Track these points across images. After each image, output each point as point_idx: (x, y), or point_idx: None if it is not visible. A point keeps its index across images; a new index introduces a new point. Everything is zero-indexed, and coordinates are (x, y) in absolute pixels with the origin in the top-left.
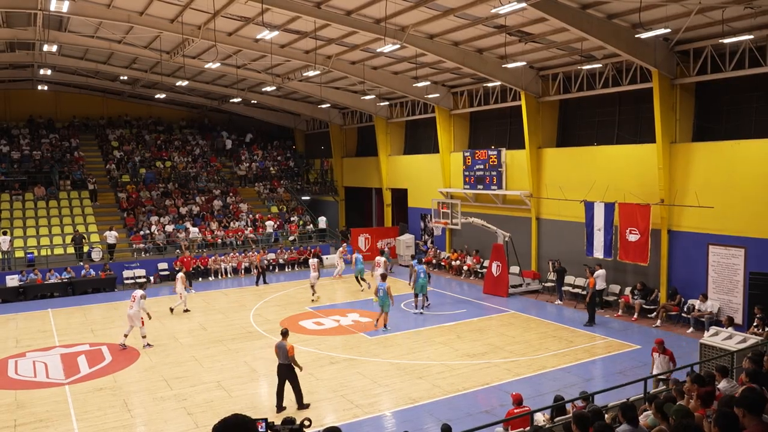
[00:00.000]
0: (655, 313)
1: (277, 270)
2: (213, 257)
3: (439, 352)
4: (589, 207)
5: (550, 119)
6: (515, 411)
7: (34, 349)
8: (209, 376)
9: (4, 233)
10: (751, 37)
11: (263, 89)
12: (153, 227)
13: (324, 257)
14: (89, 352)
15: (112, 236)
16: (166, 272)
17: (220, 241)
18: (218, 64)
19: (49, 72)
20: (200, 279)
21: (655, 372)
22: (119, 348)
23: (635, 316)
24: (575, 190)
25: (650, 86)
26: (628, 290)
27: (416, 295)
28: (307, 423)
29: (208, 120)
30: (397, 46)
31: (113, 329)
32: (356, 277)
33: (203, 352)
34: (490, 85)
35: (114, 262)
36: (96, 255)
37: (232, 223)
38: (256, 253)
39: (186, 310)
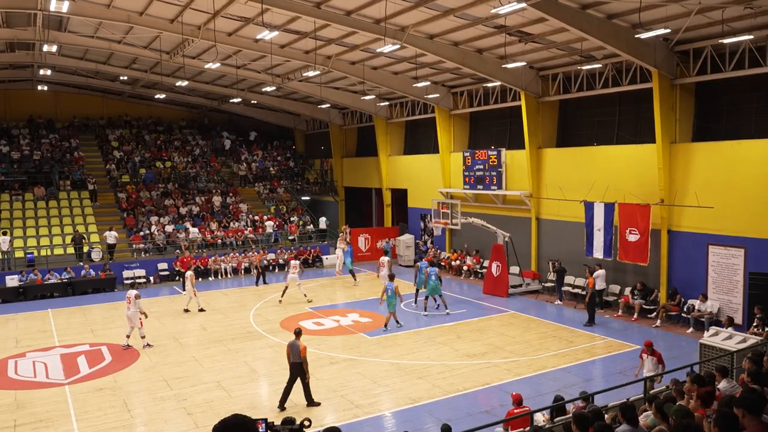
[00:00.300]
0: (655, 313)
1: (277, 270)
2: (213, 257)
3: (439, 352)
4: (589, 207)
5: (550, 119)
6: (515, 411)
7: (34, 350)
8: (209, 376)
9: (4, 233)
10: (751, 37)
11: (263, 89)
12: (153, 227)
13: (324, 257)
14: (89, 353)
15: (111, 236)
16: (166, 272)
17: (219, 241)
18: (218, 65)
19: (49, 72)
20: (200, 279)
21: (644, 373)
22: (122, 348)
23: (635, 316)
24: (575, 190)
25: (650, 86)
26: (628, 290)
27: (426, 297)
28: (307, 423)
29: (208, 120)
30: (397, 46)
31: (113, 329)
32: (350, 271)
33: (203, 352)
34: (490, 85)
35: (114, 262)
36: (96, 255)
37: (231, 224)
38: (255, 253)
39: (186, 310)
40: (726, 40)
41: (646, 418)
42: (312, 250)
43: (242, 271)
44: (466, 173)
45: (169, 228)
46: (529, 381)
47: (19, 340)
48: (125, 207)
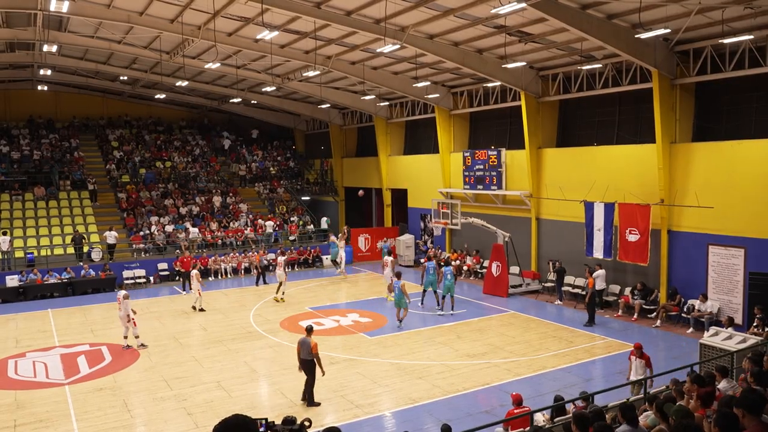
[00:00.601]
0: (655, 313)
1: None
2: (213, 257)
3: (439, 352)
4: (588, 207)
5: (550, 119)
6: (515, 411)
7: (34, 350)
8: (209, 377)
9: (4, 233)
10: (751, 37)
11: (263, 89)
12: (153, 227)
13: (324, 257)
14: (89, 353)
15: (111, 236)
16: (166, 272)
17: (220, 241)
18: (218, 65)
19: (48, 72)
20: (201, 279)
21: (632, 376)
22: (122, 349)
23: (635, 316)
24: (575, 191)
25: (650, 86)
26: (628, 290)
27: (443, 297)
28: (307, 423)
29: (208, 120)
30: (397, 46)
31: (113, 329)
32: (333, 260)
33: (203, 352)
34: (490, 85)
35: (114, 262)
36: (96, 255)
37: (231, 224)
38: (255, 253)
39: (194, 307)
40: (726, 40)
41: (646, 418)
42: (312, 250)
43: (242, 271)
44: (466, 173)
45: (169, 228)
46: (529, 381)
47: (19, 340)
48: (125, 207)
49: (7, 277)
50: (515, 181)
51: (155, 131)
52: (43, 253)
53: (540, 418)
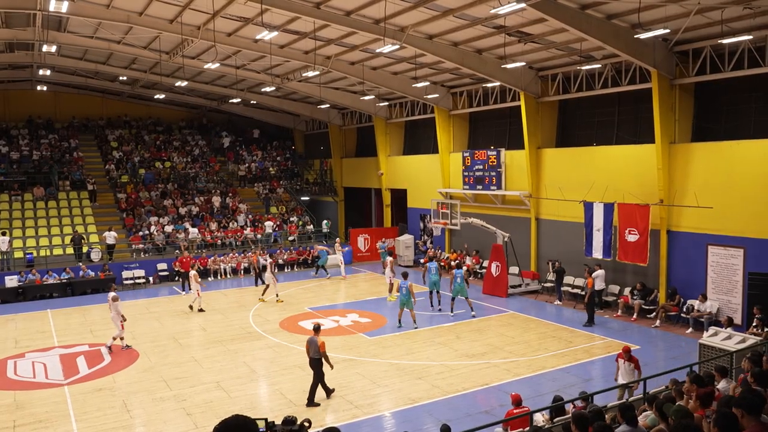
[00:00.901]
0: (654, 313)
1: (276, 270)
2: (212, 258)
3: (439, 352)
4: (588, 207)
5: (549, 119)
6: (514, 411)
7: (34, 350)
8: (208, 377)
9: (3, 234)
10: (750, 37)
11: (263, 90)
12: (152, 228)
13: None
14: (88, 353)
15: (111, 237)
16: (165, 273)
17: (219, 241)
18: (217, 65)
19: (48, 72)
20: (200, 279)
21: (619, 379)
22: (121, 349)
23: (634, 316)
24: (574, 191)
25: (649, 86)
26: (627, 290)
27: (453, 299)
28: (306, 424)
29: (208, 120)
30: (397, 46)
31: (112, 330)
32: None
33: (202, 352)
34: (489, 85)
35: (113, 262)
36: (95, 255)
37: (231, 224)
38: (252, 253)
39: (196, 308)
40: (725, 41)
41: (645, 418)
42: (311, 251)
43: (242, 272)
44: (466, 173)
45: (169, 228)
46: (528, 381)
47: (18, 341)
48: (124, 207)
49: (6, 277)
50: (515, 181)
51: (154, 131)
52: (42, 253)
53: (539, 419)
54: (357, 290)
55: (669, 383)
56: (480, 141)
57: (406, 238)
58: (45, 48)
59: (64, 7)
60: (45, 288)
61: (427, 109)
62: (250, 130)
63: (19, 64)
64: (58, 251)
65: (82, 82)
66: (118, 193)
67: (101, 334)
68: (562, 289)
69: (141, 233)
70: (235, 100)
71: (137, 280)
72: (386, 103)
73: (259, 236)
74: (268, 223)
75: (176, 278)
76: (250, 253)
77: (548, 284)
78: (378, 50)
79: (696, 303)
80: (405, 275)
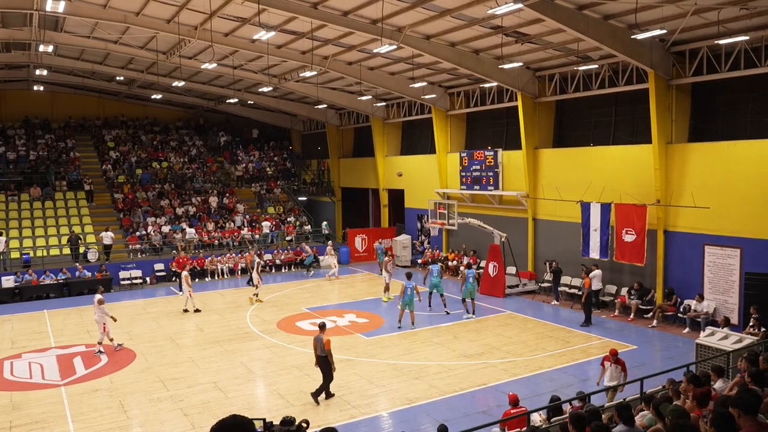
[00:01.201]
0: (651, 313)
1: (273, 270)
2: (209, 258)
3: (436, 352)
4: (585, 207)
5: (546, 120)
6: (512, 411)
7: (30, 350)
8: (206, 377)
9: (0, 234)
10: (747, 38)
11: (260, 90)
12: (149, 228)
13: (321, 257)
14: (85, 353)
15: (108, 237)
16: (163, 273)
17: (216, 242)
18: (215, 65)
19: (45, 72)
20: (197, 280)
21: (606, 382)
22: (114, 350)
23: (631, 316)
24: (572, 191)
25: (646, 87)
26: (624, 290)
27: (464, 300)
28: (305, 424)
29: (205, 120)
30: (394, 46)
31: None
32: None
33: (200, 353)
34: (486, 85)
35: (110, 262)
36: (92, 256)
37: (228, 224)
38: (246, 253)
39: (185, 310)
40: (722, 41)
41: (642, 417)
42: (301, 251)
43: (239, 272)
44: (463, 174)
45: (166, 229)
46: (525, 381)
47: (14, 341)
48: (121, 207)
49: (2, 277)
50: (512, 181)
51: (151, 131)
52: (39, 253)
53: (537, 419)
54: (354, 290)
55: (666, 383)
56: (477, 141)
57: (404, 239)
58: (42, 48)
59: (61, 7)
60: (42, 288)
61: (425, 109)
62: (248, 130)
63: (15, 64)
64: (54, 251)
65: (79, 82)
66: (115, 194)
67: (98, 334)
68: (559, 289)
69: (138, 233)
70: (232, 100)
71: (134, 281)
72: (383, 104)
73: (256, 236)
74: (266, 224)
75: (173, 278)
76: (247, 254)
77: (545, 284)
78: (375, 50)
79: (693, 303)
80: (409, 276)
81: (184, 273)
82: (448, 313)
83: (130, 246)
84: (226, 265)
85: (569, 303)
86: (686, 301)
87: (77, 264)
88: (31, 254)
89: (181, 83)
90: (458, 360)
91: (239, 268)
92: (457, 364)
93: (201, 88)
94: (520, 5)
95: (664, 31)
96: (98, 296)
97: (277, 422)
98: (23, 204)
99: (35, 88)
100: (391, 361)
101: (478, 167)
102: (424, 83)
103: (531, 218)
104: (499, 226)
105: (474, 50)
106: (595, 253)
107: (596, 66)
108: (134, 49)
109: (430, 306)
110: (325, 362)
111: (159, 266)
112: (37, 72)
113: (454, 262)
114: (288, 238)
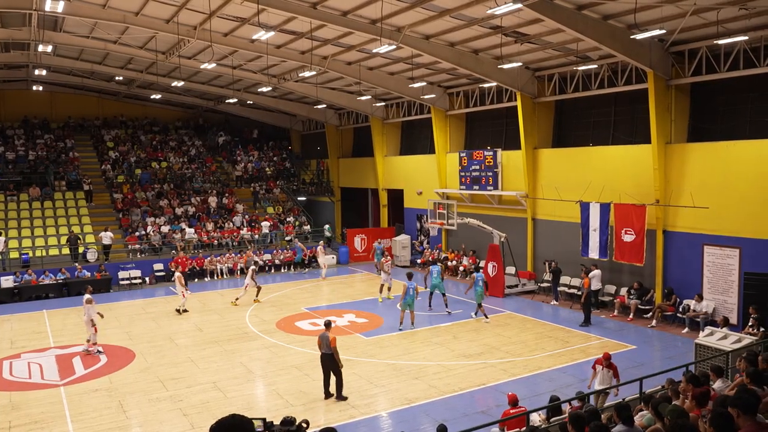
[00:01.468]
0: (650, 313)
1: (272, 270)
2: (209, 258)
3: (436, 352)
4: (584, 207)
5: (545, 120)
6: (511, 411)
7: (29, 350)
8: (205, 377)
9: None
10: (746, 38)
11: (259, 90)
12: (149, 228)
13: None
14: (84, 353)
15: (107, 237)
16: (162, 273)
17: (216, 242)
18: (214, 65)
19: (44, 72)
20: (196, 280)
21: (596, 386)
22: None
23: (631, 316)
24: (571, 191)
25: (645, 87)
26: (623, 290)
27: (480, 305)
28: (304, 425)
29: (204, 120)
30: (393, 46)
31: (109, 330)
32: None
33: (199, 353)
34: (485, 85)
35: (109, 262)
36: (91, 256)
37: (227, 224)
38: (243, 254)
39: (185, 311)
40: (721, 41)
41: (641, 417)
42: (309, 251)
43: (238, 272)
44: (463, 174)
45: (165, 229)
46: (525, 381)
47: (14, 341)
48: (121, 207)
49: (2, 277)
50: (511, 181)
51: (151, 131)
52: (38, 253)
53: (536, 419)
54: (354, 290)
55: (665, 383)
56: (477, 141)
57: (403, 239)
58: (41, 48)
59: (60, 7)
60: (41, 288)
61: (424, 109)
62: (247, 130)
63: (14, 64)
64: (54, 251)
65: (78, 82)
66: (114, 194)
67: (97, 334)
68: (559, 289)
69: (137, 233)
70: (231, 101)
71: (133, 281)
72: (383, 104)
73: (256, 236)
74: (265, 224)
75: (172, 278)
76: (245, 254)
77: (545, 284)
78: (375, 50)
79: (692, 303)
80: (410, 276)
81: (177, 273)
82: (449, 313)
83: (130, 246)
84: (226, 265)
85: (568, 303)
86: (685, 301)
87: (76, 264)
88: (31, 254)
89: (181, 83)
90: (457, 360)
91: (238, 268)
92: (456, 364)
93: (200, 88)
94: (519, 5)
95: (664, 31)
96: (87, 296)
97: (277, 422)
98: (22, 204)
99: (34, 88)
100: (390, 361)
101: (478, 167)
102: (424, 83)
103: (530, 218)
104: (498, 226)
105: (473, 50)
106: (594, 253)
107: (595, 66)
108: (133, 49)
109: (430, 306)
110: (331, 360)
111: (158, 266)
112: (36, 72)
113: (454, 262)
114: (287, 238)
